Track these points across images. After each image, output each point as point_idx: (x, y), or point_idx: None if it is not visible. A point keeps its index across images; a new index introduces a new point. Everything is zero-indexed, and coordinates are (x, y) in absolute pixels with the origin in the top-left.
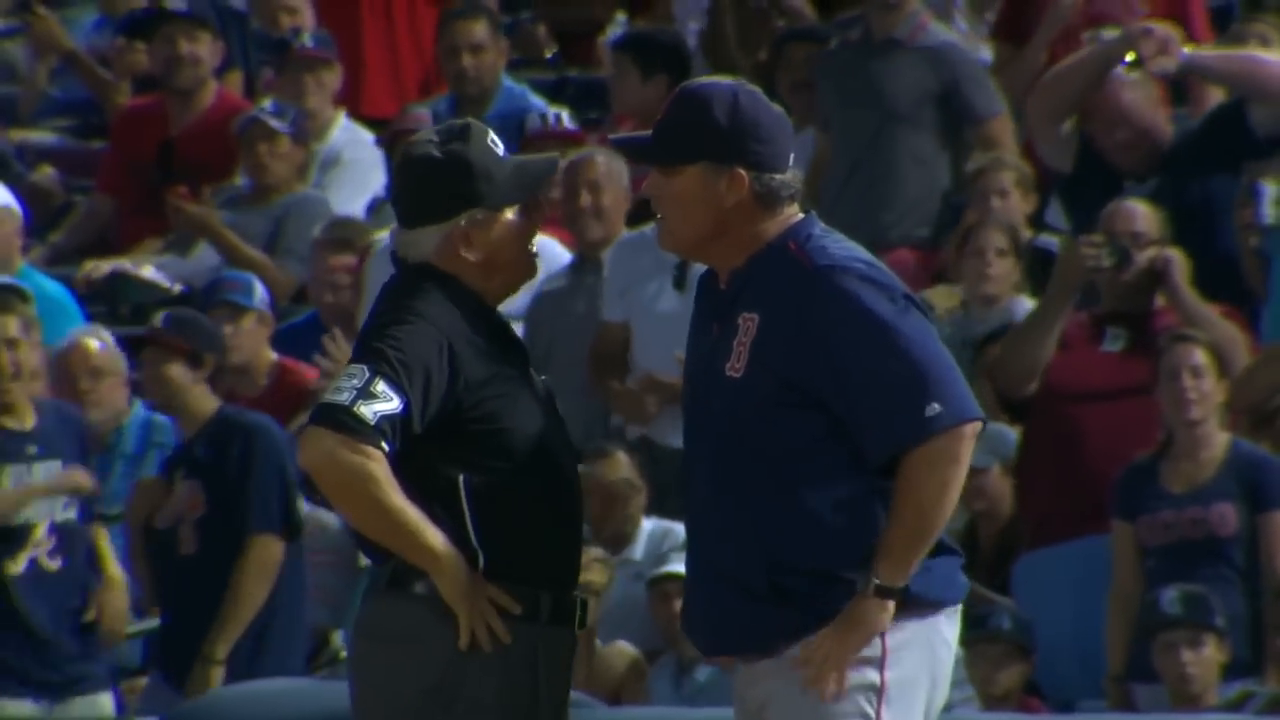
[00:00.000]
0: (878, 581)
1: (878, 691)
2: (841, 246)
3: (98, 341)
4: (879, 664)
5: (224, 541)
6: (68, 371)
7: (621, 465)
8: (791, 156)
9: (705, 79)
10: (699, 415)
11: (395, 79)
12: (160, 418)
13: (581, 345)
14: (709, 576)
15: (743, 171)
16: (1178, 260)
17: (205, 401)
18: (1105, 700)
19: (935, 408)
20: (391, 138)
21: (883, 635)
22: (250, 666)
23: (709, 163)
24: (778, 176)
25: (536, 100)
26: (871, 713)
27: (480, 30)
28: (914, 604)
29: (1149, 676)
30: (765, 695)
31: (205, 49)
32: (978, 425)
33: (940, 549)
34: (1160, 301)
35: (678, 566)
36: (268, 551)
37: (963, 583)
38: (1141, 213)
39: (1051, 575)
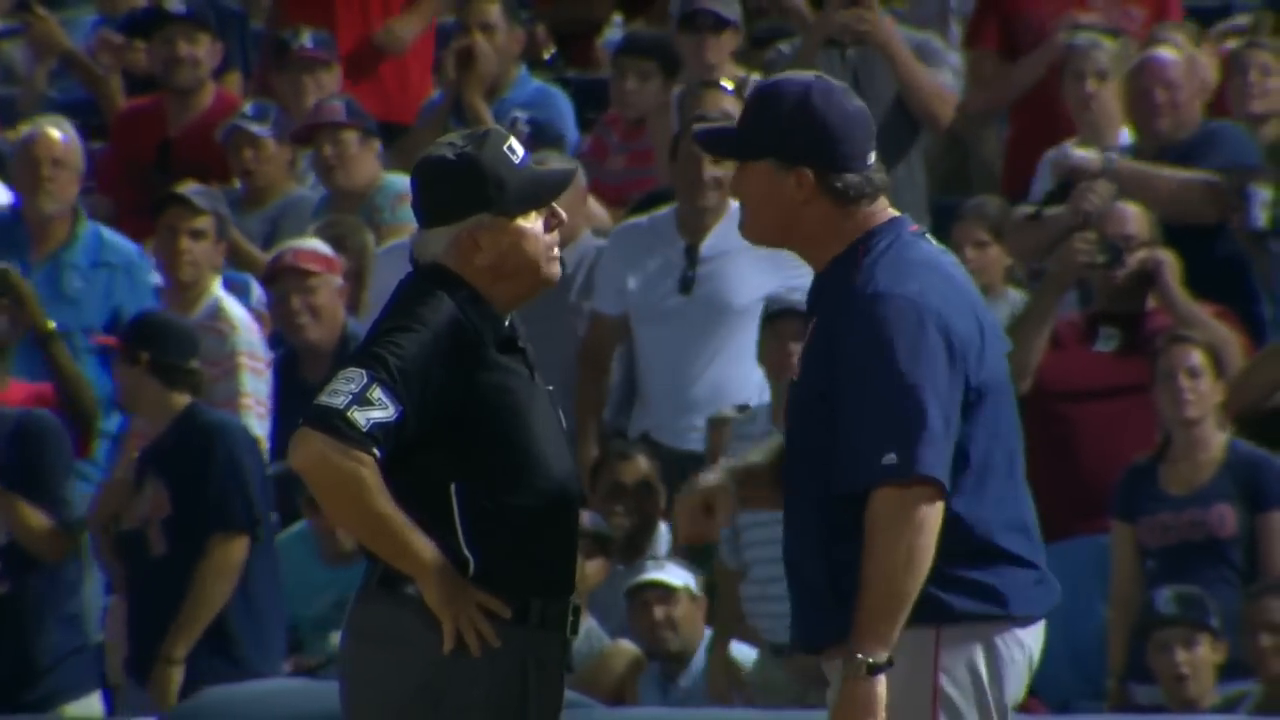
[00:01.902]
0: (857, 656)
1: (931, 693)
2: (899, 260)
3: (61, 133)
4: (930, 668)
5: (191, 542)
6: (31, 159)
7: (642, 467)
8: (872, 155)
9: (787, 73)
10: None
11: (375, 80)
12: (112, 235)
13: (550, 336)
14: (788, 575)
15: (807, 171)
16: (1169, 261)
17: (174, 400)
18: (1104, 702)
19: (891, 458)
20: (306, 132)
21: (938, 634)
22: (215, 665)
23: (776, 160)
24: (850, 176)
25: (561, 99)
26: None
27: (494, 12)
28: (964, 618)
29: (1149, 678)
30: (832, 692)
31: (204, 50)
32: (932, 489)
33: (1005, 559)
34: (1153, 302)
35: (655, 574)
36: (228, 552)
37: (1033, 596)
38: (1133, 214)
39: None
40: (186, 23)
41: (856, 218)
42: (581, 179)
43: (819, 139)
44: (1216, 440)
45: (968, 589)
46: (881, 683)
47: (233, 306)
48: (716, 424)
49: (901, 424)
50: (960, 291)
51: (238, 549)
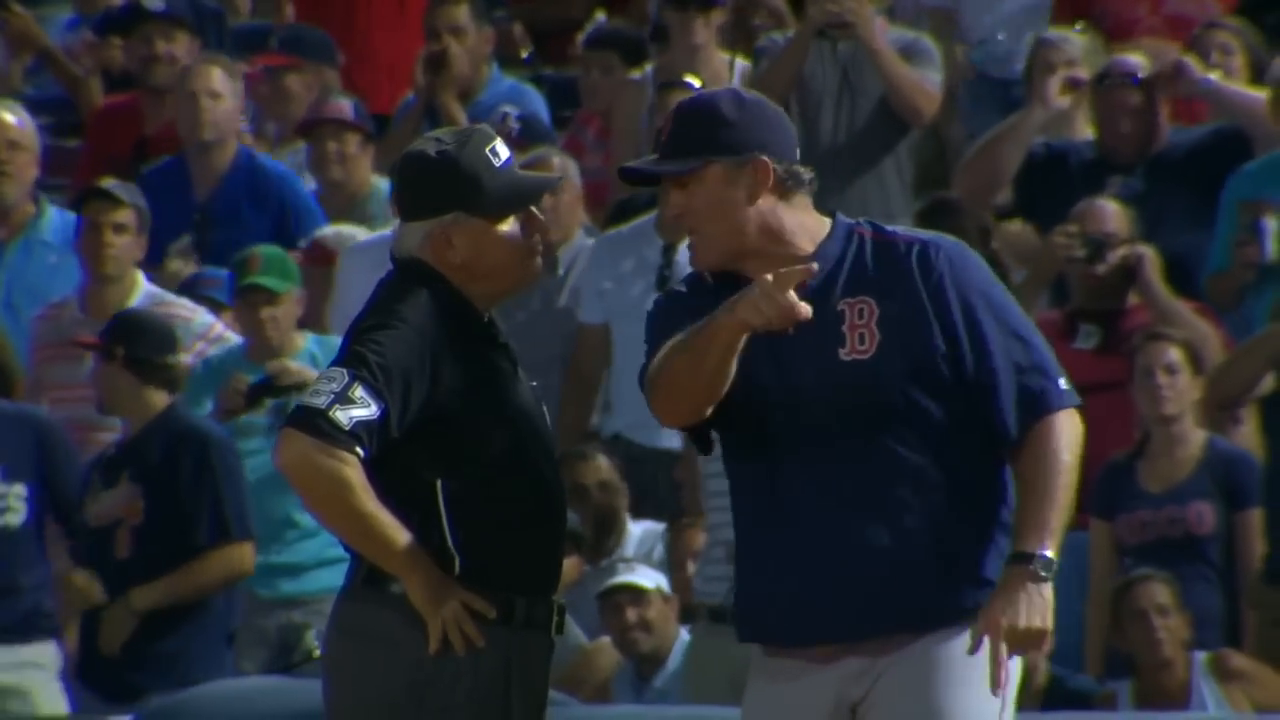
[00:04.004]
0: (1037, 553)
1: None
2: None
3: (14, 116)
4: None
5: (163, 550)
6: None
7: (602, 468)
8: (797, 150)
9: (702, 89)
10: (800, 406)
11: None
12: (75, 217)
13: (536, 342)
14: (849, 560)
15: (765, 158)
16: (1150, 256)
17: (153, 400)
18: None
19: (1064, 384)
20: (311, 125)
21: None
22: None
23: (727, 159)
24: (796, 165)
25: (535, 96)
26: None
27: (462, 14)
28: None
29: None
30: (881, 684)
31: (182, 48)
32: None
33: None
34: (1133, 299)
35: (625, 577)
36: (240, 558)
37: None
38: (1113, 211)
39: None
40: (164, 20)
41: (812, 211)
42: (576, 180)
43: (766, 127)
44: (1195, 437)
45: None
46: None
47: (170, 294)
48: None
49: (1051, 356)
50: None
51: (247, 557)
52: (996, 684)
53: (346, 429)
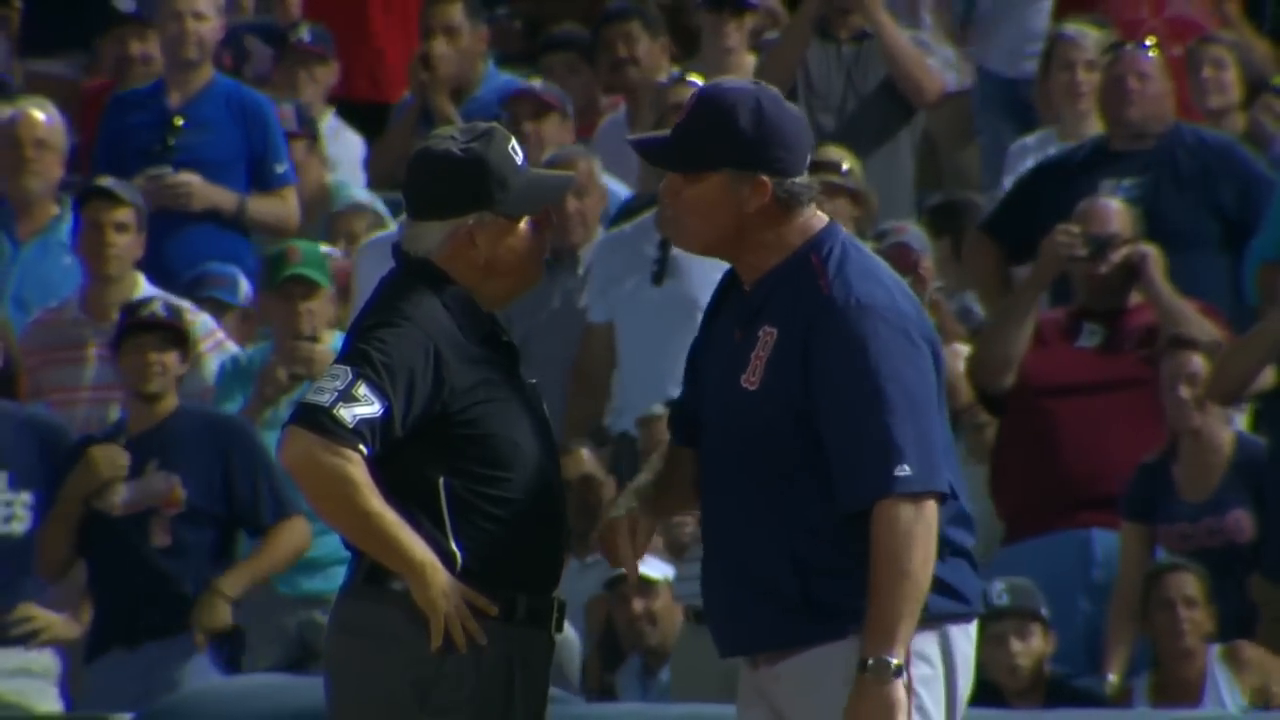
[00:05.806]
0: (870, 660)
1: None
2: (863, 269)
3: (44, 114)
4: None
5: (212, 536)
6: (14, 139)
7: (584, 462)
8: (809, 158)
9: (724, 80)
10: (717, 422)
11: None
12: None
13: (556, 341)
14: (732, 578)
15: (765, 178)
16: (1154, 255)
17: (174, 392)
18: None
19: (905, 470)
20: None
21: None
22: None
23: (732, 170)
24: (799, 181)
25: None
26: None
27: (456, 13)
28: (931, 620)
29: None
30: (787, 694)
31: (157, 48)
32: (937, 499)
33: (955, 552)
34: (1136, 298)
35: None
36: (305, 531)
37: (978, 589)
38: (1115, 210)
39: (1027, 570)
40: (137, 22)
41: (797, 224)
42: (601, 181)
43: (776, 146)
44: (1224, 437)
45: (933, 587)
46: (901, 685)
47: (171, 296)
48: (646, 422)
49: (909, 437)
50: (909, 293)
51: (308, 530)
52: None
53: (350, 426)
